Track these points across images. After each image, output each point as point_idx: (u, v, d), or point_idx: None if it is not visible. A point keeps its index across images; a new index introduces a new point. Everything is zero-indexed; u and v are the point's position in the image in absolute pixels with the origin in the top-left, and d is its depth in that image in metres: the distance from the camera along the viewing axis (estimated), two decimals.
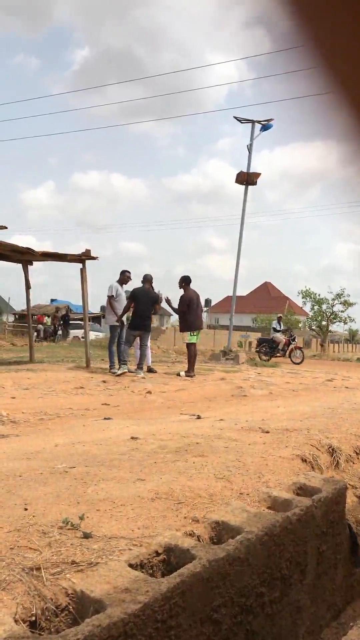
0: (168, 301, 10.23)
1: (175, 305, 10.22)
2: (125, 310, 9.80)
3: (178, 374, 9.89)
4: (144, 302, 9.63)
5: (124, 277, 10.08)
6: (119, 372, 9.45)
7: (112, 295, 9.85)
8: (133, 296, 9.70)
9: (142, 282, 10.05)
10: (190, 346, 10.04)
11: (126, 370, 9.48)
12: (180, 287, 10.02)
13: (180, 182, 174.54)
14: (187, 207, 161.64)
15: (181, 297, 9.96)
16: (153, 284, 10.22)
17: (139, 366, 9.69)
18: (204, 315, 20.79)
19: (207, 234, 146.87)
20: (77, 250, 12.27)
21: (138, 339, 9.84)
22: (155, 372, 10.26)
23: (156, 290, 10.48)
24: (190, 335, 10.01)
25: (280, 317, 20.45)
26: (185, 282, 9.97)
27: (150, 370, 10.21)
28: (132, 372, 9.58)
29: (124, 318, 9.93)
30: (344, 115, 0.53)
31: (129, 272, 10.19)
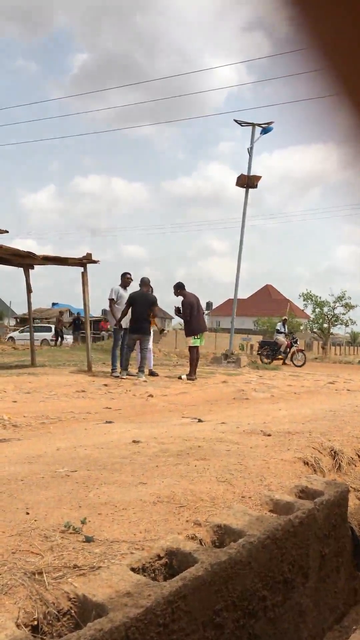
0: (178, 310, 10.21)
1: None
2: (123, 314, 9.79)
3: (179, 377, 9.88)
4: (140, 305, 9.63)
5: (125, 280, 10.10)
6: (120, 375, 9.45)
7: (113, 299, 9.87)
8: (131, 300, 9.71)
9: (140, 285, 10.06)
10: (193, 349, 10.02)
11: (125, 376, 9.46)
12: (177, 294, 9.98)
13: (181, 185, 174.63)
14: (187, 211, 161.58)
15: (182, 302, 9.92)
16: (152, 287, 10.23)
17: (140, 369, 9.68)
18: (206, 318, 20.72)
19: (208, 237, 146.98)
20: (78, 254, 12.28)
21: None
22: (157, 375, 10.25)
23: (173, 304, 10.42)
24: (194, 338, 9.98)
25: (286, 319, 20.39)
26: (180, 288, 9.94)
27: (151, 373, 10.20)
28: (132, 375, 9.57)
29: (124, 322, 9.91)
30: (345, 118, 0.53)
31: (130, 274, 10.20)
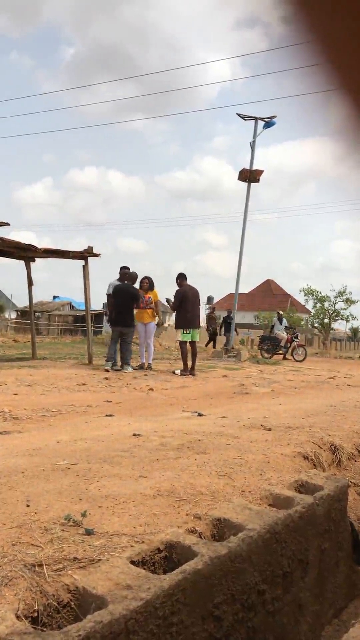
0: (168, 301, 10.22)
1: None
2: (110, 308, 9.90)
3: (173, 372, 9.86)
4: (122, 297, 9.69)
5: (123, 274, 10.15)
6: (104, 366, 9.49)
7: (110, 294, 9.95)
8: (113, 293, 9.78)
9: (121, 276, 10.12)
10: (183, 344, 9.93)
11: (110, 368, 9.42)
12: (178, 285, 10.00)
13: (176, 179, 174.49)
14: (184, 205, 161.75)
15: (175, 292, 9.93)
16: (137, 279, 10.28)
17: (125, 362, 9.69)
18: (206, 312, 20.49)
19: (205, 231, 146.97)
20: (75, 247, 12.31)
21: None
22: (152, 369, 10.25)
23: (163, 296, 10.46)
24: (183, 333, 9.90)
25: (280, 313, 20.25)
26: (180, 278, 9.94)
27: (149, 367, 10.21)
28: (117, 369, 9.61)
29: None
30: (342, 112, 0.52)
31: (127, 268, 10.21)
